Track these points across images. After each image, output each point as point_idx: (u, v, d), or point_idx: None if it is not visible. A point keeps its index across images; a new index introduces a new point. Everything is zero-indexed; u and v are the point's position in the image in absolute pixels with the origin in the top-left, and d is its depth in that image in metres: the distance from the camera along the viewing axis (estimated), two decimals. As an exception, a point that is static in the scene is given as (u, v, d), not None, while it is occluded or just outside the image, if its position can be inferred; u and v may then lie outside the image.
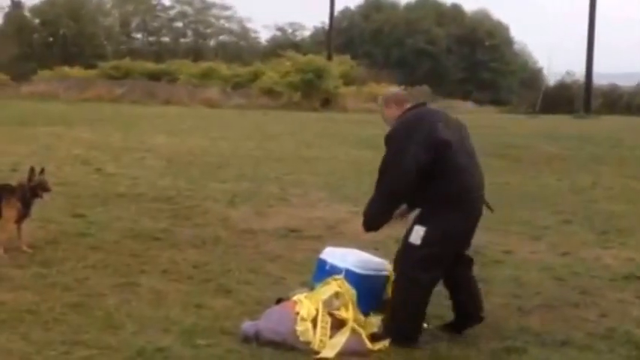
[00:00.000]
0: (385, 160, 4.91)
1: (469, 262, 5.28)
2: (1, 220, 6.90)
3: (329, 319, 4.83)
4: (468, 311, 5.19)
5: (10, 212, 6.88)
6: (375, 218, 5.00)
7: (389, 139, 4.92)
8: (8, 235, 6.92)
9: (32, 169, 7.02)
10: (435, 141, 4.78)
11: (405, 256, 4.92)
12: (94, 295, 5.71)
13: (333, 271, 5.14)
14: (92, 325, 5.02)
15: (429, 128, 4.84)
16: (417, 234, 4.83)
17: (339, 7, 67.22)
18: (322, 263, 5.30)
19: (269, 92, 39.25)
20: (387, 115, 5.16)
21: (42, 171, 7.08)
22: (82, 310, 5.32)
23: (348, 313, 4.88)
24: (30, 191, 6.95)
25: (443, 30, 73.58)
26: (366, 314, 5.01)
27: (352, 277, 5.05)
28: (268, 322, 4.88)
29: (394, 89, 5.40)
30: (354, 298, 4.96)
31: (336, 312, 4.88)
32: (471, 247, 5.32)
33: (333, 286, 4.99)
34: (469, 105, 49.78)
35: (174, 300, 5.69)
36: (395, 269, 5.02)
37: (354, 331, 4.84)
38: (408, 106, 5.10)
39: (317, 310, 4.83)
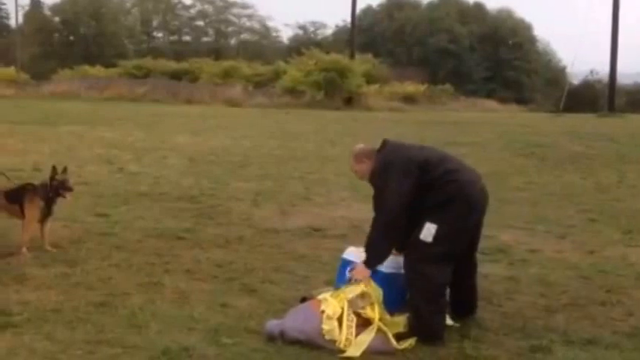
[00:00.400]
0: (374, 199, 5.09)
1: (475, 266, 5.42)
2: (25, 220, 6.92)
3: (354, 318, 4.79)
4: (461, 307, 5.34)
5: (33, 212, 6.89)
6: (379, 255, 5.01)
7: (372, 181, 5.12)
8: (31, 234, 6.93)
9: (54, 168, 7.01)
10: (413, 164, 4.96)
11: (416, 253, 4.93)
12: (118, 294, 5.70)
13: None
14: (116, 325, 5.01)
15: (404, 158, 5.03)
16: (429, 231, 4.86)
17: (361, 5, 67.11)
18: (345, 263, 5.24)
19: (291, 91, 39.25)
20: (362, 170, 5.26)
21: (64, 170, 7.08)
22: (106, 310, 5.32)
23: (374, 313, 4.83)
24: (52, 190, 6.95)
25: (465, 28, 73.15)
26: (392, 313, 4.97)
27: (377, 276, 5.02)
28: (293, 321, 4.85)
29: (359, 146, 5.45)
30: (381, 297, 4.91)
31: (361, 311, 4.83)
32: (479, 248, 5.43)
33: (360, 285, 4.94)
34: (492, 104, 49.46)
35: (198, 299, 5.67)
36: (404, 267, 5.01)
37: (379, 330, 4.79)
38: (376, 152, 5.20)
39: (342, 309, 4.80)
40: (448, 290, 5.24)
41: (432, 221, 4.87)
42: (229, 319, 5.22)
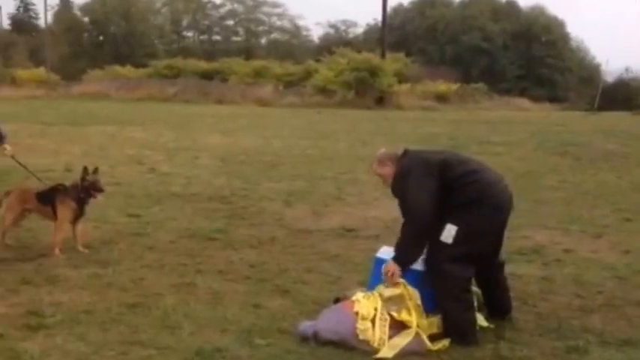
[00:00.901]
0: (401, 204, 5.09)
1: (501, 266, 5.38)
2: (57, 221, 6.93)
3: (387, 318, 4.76)
4: (495, 308, 5.32)
5: (65, 212, 6.90)
6: (410, 255, 4.99)
7: (393, 190, 5.16)
8: (64, 235, 6.95)
9: (85, 169, 7.02)
10: (432, 167, 4.99)
11: (436, 253, 4.93)
12: (151, 295, 5.70)
13: None
14: (150, 325, 5.01)
15: (422, 161, 5.08)
16: (449, 232, 4.86)
17: (392, 3, 67.03)
18: (380, 262, 5.19)
19: (322, 90, 39.22)
20: (385, 173, 5.27)
21: (95, 170, 7.09)
22: (139, 311, 5.32)
23: (411, 317, 4.78)
24: (83, 191, 6.96)
25: (498, 26, 72.61)
26: (426, 313, 4.91)
27: (412, 274, 4.97)
28: (327, 322, 4.82)
29: (382, 150, 5.47)
30: (418, 300, 4.86)
31: (394, 313, 4.78)
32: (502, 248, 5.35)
33: (396, 288, 4.88)
34: (525, 102, 48.97)
35: (231, 300, 5.66)
36: (427, 268, 5.00)
37: (417, 334, 4.74)
38: (400, 156, 5.25)
39: (376, 310, 4.76)
40: (478, 290, 5.23)
41: (453, 222, 4.88)
42: (262, 320, 5.20)
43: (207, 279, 6.22)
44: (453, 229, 4.85)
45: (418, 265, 5.01)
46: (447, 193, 4.92)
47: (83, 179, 6.97)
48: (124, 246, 7.26)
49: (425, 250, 5.03)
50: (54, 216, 6.96)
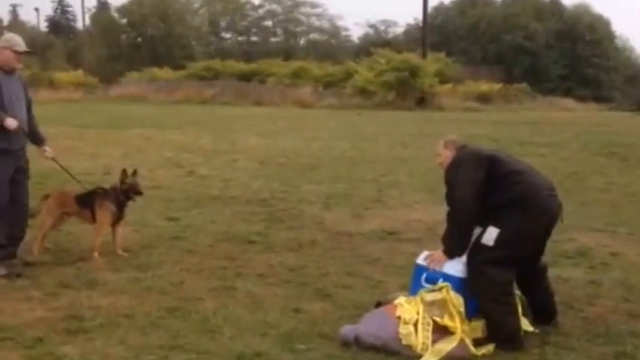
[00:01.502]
0: (447, 194, 5.15)
1: (544, 270, 5.32)
2: (96, 224, 6.93)
3: (430, 322, 4.67)
4: (540, 312, 5.25)
5: (104, 216, 6.88)
6: (456, 245, 5.00)
7: (446, 177, 5.18)
8: (103, 238, 6.94)
9: (124, 172, 7.00)
10: (482, 158, 5.06)
11: (477, 255, 4.88)
12: (191, 299, 5.66)
13: (433, 276, 4.97)
14: (190, 330, 4.97)
15: (474, 154, 5.16)
16: (490, 235, 4.83)
17: (432, 2, 66.67)
18: (420, 269, 5.10)
19: (362, 91, 39.13)
20: (445, 156, 5.30)
21: (134, 173, 7.07)
22: (178, 315, 5.28)
23: (455, 322, 4.68)
24: (123, 194, 6.94)
25: (541, 25, 71.86)
26: (469, 318, 4.81)
27: (452, 282, 4.88)
28: (368, 326, 4.75)
29: (453, 136, 5.66)
30: (462, 306, 4.75)
31: (437, 318, 4.69)
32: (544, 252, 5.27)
33: (440, 292, 4.79)
34: (570, 102, 48.34)
35: (271, 304, 5.60)
36: (468, 270, 4.92)
37: (461, 339, 4.65)
38: (460, 147, 5.32)
39: (418, 314, 4.69)
40: (519, 293, 5.14)
41: (495, 225, 4.84)
42: (303, 325, 5.14)
43: (246, 283, 6.16)
44: (494, 231, 4.81)
45: (460, 272, 4.92)
46: (491, 189, 4.91)
47: (122, 182, 6.95)
48: (163, 250, 7.23)
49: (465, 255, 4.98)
50: (93, 219, 6.94)
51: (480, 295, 4.82)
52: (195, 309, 5.40)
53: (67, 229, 7.70)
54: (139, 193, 7.03)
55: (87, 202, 6.94)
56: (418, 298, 4.82)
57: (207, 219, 8.84)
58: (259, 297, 5.77)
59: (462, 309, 4.75)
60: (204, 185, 11.46)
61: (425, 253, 5.22)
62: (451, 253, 4.96)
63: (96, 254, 6.76)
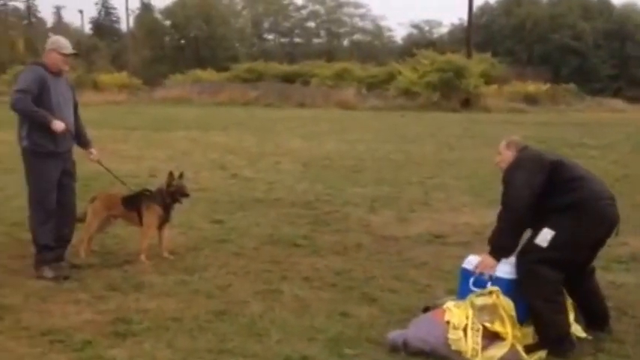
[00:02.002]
0: (503, 193, 5.06)
1: (591, 273, 5.26)
2: (143, 227, 6.93)
3: (480, 327, 4.60)
4: (591, 317, 5.18)
5: (151, 218, 6.88)
6: (504, 244, 4.96)
7: (505, 176, 5.12)
8: (149, 241, 6.95)
9: (171, 174, 7.00)
10: (545, 163, 4.99)
11: (529, 255, 4.83)
12: (237, 302, 5.66)
13: (481, 280, 4.88)
14: (237, 333, 4.97)
15: (536, 157, 5.10)
16: (545, 237, 4.78)
17: (477, 2, 66.09)
18: (466, 273, 5.02)
19: (406, 93, 38.89)
20: (506, 156, 5.25)
21: (180, 175, 7.06)
22: (226, 318, 5.29)
23: (505, 328, 4.60)
24: (169, 196, 6.93)
25: (589, 24, 70.71)
26: (520, 322, 4.73)
27: (501, 284, 4.81)
28: (417, 331, 4.71)
29: (516, 137, 5.53)
30: (512, 311, 4.67)
31: (487, 324, 4.61)
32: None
33: (488, 297, 4.70)
34: (619, 103, 47.39)
35: (317, 308, 5.57)
36: (517, 269, 4.86)
37: (512, 345, 4.58)
38: (521, 148, 5.27)
39: (467, 318, 4.63)
40: (570, 300, 5.05)
41: (551, 227, 4.78)
42: (350, 329, 5.11)
43: (292, 286, 6.14)
44: (549, 233, 4.77)
45: (509, 274, 4.85)
46: (550, 192, 4.86)
47: (169, 184, 6.95)
48: (209, 252, 7.24)
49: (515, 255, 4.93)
50: (139, 222, 6.96)
51: (530, 293, 4.76)
52: (241, 312, 5.40)
53: (113, 232, 7.75)
54: (186, 195, 7.01)
55: (133, 204, 6.95)
56: (467, 303, 4.76)
57: (252, 222, 8.84)
58: (305, 301, 5.75)
59: (513, 313, 4.68)
60: (248, 187, 11.48)
61: (471, 257, 5.14)
62: (499, 253, 4.91)
63: (142, 257, 6.78)
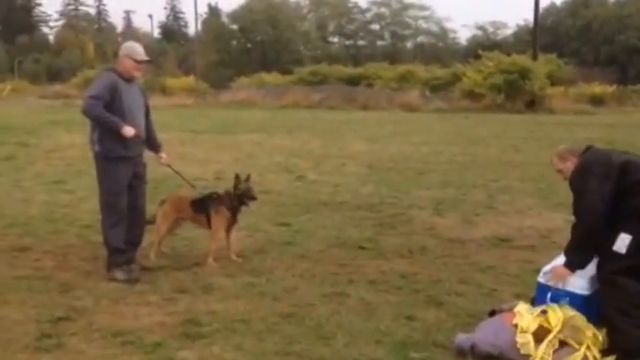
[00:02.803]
0: (574, 204, 4.92)
1: None
2: (211, 230, 7.00)
3: (557, 342, 4.51)
4: None
5: (220, 221, 6.95)
6: (579, 258, 4.83)
7: (571, 184, 4.98)
8: (218, 244, 7.02)
9: (237, 177, 7.02)
10: (614, 165, 4.79)
11: (608, 263, 4.68)
12: (304, 305, 5.70)
13: (557, 295, 4.84)
14: (304, 336, 5.01)
15: (603, 160, 4.88)
16: (623, 242, 4.62)
17: (543, 3, 64.87)
18: (542, 289, 4.95)
19: (470, 94, 38.45)
20: (567, 168, 5.11)
21: (247, 178, 7.07)
22: (293, 321, 5.33)
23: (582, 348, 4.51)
24: (236, 199, 6.97)
25: (658, 25, 68.80)
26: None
27: (577, 300, 4.75)
28: (485, 335, 4.68)
29: (562, 146, 5.35)
30: (585, 321, 4.61)
31: (569, 340, 4.53)
32: None
33: (566, 314, 4.65)
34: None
35: (384, 311, 5.58)
36: (597, 277, 4.76)
37: (585, 357, 4.50)
38: (581, 151, 5.11)
39: (548, 327, 4.56)
40: None
41: (627, 232, 4.62)
42: (416, 333, 5.11)
43: (358, 289, 6.16)
44: (627, 238, 4.61)
45: (585, 290, 4.78)
46: (623, 195, 4.70)
47: (236, 187, 6.99)
48: (275, 255, 7.30)
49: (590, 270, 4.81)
50: (208, 224, 7.03)
51: (609, 305, 4.64)
52: (308, 315, 5.44)
53: (182, 234, 7.86)
54: (253, 198, 7.03)
55: (202, 207, 7.02)
56: (543, 312, 4.68)
57: (318, 224, 8.88)
58: (371, 304, 5.76)
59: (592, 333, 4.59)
60: (313, 190, 11.53)
61: (546, 268, 5.07)
62: (574, 267, 4.80)
63: (210, 260, 6.86)
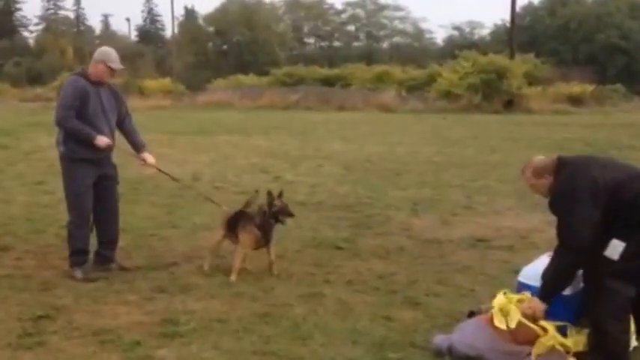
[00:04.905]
0: (560, 230, 4.61)
1: None
2: (238, 247, 6.64)
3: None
4: None
5: (248, 239, 6.57)
6: (557, 288, 4.63)
7: (553, 209, 4.68)
8: (243, 262, 6.64)
9: (270, 194, 6.61)
10: (600, 191, 4.47)
11: (598, 267, 4.50)
12: (281, 305, 5.70)
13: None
14: (281, 336, 5.02)
15: (588, 184, 4.51)
16: (615, 249, 4.45)
17: (521, 2, 65.34)
18: (524, 288, 4.91)
19: (447, 95, 38.61)
20: (542, 185, 4.80)
21: (280, 194, 6.63)
22: (270, 320, 5.33)
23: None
24: (272, 217, 6.54)
25: (637, 23, 69.43)
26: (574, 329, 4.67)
27: (558, 300, 4.66)
28: (463, 336, 4.69)
29: (539, 158, 4.94)
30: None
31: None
32: None
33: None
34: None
35: (361, 311, 5.58)
36: (586, 280, 4.64)
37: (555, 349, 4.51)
38: (557, 165, 4.74)
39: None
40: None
41: (620, 238, 4.45)
42: (394, 333, 5.11)
43: (335, 289, 6.16)
44: (620, 245, 4.44)
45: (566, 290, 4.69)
46: (613, 215, 4.48)
47: (271, 205, 6.53)
48: (251, 254, 7.21)
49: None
50: (237, 240, 6.70)
51: (599, 309, 4.51)
52: (285, 315, 5.44)
53: (160, 234, 7.84)
54: (290, 215, 6.60)
55: (234, 224, 6.69)
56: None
57: (294, 224, 8.77)
58: (348, 304, 5.76)
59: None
60: (290, 191, 11.35)
61: (526, 269, 5.06)
62: (550, 295, 4.61)
63: (233, 277, 6.41)
